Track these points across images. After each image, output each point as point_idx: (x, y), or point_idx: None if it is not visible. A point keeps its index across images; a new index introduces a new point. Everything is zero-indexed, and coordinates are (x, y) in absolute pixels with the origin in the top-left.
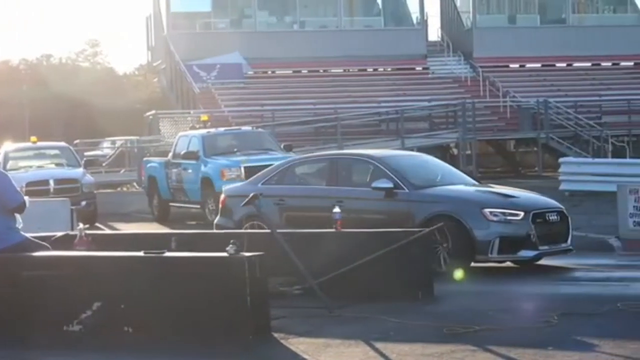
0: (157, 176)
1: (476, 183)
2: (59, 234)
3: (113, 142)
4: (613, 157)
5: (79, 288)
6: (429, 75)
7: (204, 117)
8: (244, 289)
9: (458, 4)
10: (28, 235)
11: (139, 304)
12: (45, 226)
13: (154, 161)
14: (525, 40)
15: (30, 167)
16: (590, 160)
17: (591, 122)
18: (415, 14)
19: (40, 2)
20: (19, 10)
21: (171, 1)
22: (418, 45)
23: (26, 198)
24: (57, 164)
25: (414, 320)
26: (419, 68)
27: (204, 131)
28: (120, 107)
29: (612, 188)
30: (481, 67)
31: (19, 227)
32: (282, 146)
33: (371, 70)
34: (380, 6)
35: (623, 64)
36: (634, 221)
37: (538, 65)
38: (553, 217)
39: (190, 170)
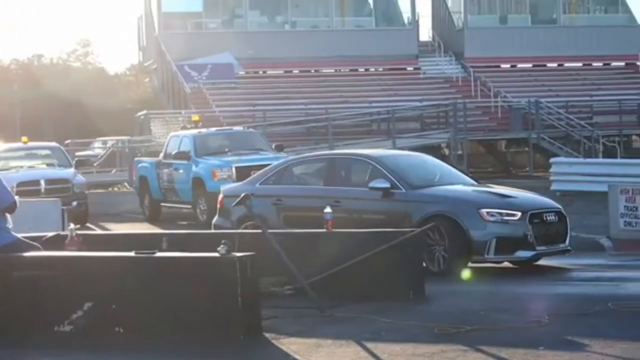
0: (148, 176)
1: (475, 183)
2: (50, 234)
3: (104, 142)
4: (604, 157)
5: (70, 288)
6: (420, 76)
7: (195, 117)
8: (235, 289)
9: (449, 4)
10: (19, 235)
11: (130, 304)
12: (36, 226)
13: (145, 161)
14: (516, 41)
15: (21, 167)
16: (581, 160)
17: (582, 122)
18: (406, 14)
19: (31, 2)
20: (10, 10)
21: (162, 1)
22: (409, 46)
23: (17, 198)
24: (48, 164)
25: (405, 320)
26: (410, 68)
27: (195, 131)
28: (111, 107)
29: (603, 188)
30: (472, 67)
31: (10, 227)
32: (273, 146)
33: (362, 70)
34: (372, 6)
35: (614, 64)
36: (625, 221)
37: (529, 65)
38: (551, 218)
39: (181, 171)
